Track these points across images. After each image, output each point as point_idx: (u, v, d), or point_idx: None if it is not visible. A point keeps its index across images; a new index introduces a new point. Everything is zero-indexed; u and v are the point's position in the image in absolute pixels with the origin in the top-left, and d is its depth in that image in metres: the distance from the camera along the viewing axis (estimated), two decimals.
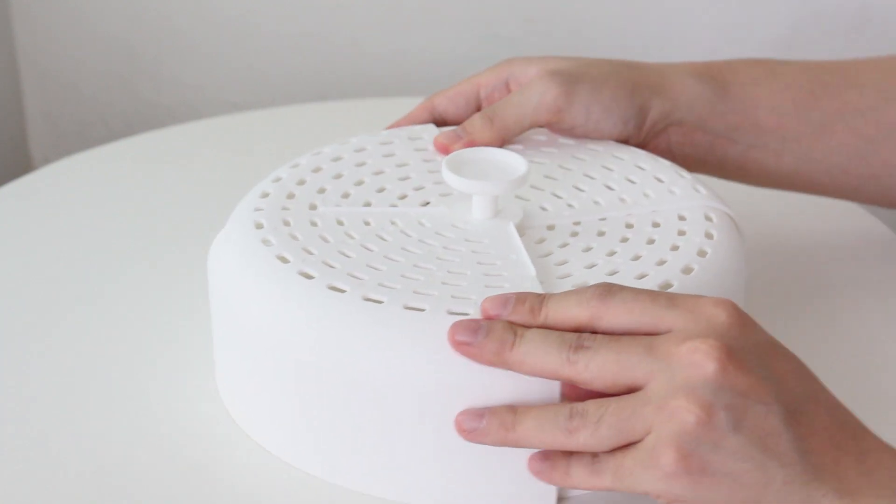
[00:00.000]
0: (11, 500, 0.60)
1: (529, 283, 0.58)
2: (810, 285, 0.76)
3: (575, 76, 0.70)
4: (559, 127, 0.71)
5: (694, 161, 0.73)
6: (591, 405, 0.53)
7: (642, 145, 0.72)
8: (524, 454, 0.56)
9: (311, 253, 0.61)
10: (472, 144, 0.69)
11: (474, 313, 0.56)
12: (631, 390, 0.53)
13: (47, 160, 1.25)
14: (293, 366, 0.58)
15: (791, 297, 0.75)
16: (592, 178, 0.68)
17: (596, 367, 0.53)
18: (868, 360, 0.70)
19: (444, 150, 0.69)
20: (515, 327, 0.55)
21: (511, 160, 0.64)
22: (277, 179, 0.67)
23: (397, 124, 0.74)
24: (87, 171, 0.90)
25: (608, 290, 0.55)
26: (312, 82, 1.20)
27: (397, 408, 0.57)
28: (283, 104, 1.13)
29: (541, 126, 0.71)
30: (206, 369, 0.67)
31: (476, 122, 0.70)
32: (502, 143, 0.70)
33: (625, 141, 0.71)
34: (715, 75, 0.72)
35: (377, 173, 0.68)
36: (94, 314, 0.73)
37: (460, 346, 0.55)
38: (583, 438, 0.53)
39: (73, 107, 1.25)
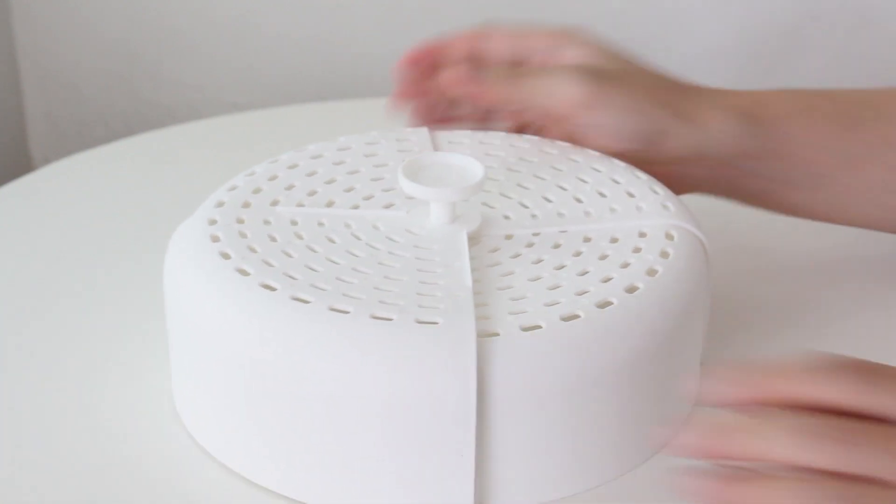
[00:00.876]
0: None
1: (464, 293, 0.58)
2: (800, 303, 0.75)
3: (608, 79, 0.68)
4: (573, 126, 0.70)
5: (719, 193, 0.72)
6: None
7: (659, 168, 0.70)
8: (435, 458, 0.54)
9: (254, 251, 0.61)
10: (482, 93, 0.69)
11: (398, 318, 0.55)
12: None
13: (47, 160, 1.25)
14: (222, 360, 0.58)
15: (776, 314, 0.74)
16: (564, 188, 0.67)
17: None
18: None
19: (454, 86, 0.69)
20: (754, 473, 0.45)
21: (470, 166, 0.63)
22: (251, 174, 0.67)
23: (433, 46, 0.74)
24: (87, 171, 0.90)
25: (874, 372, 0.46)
26: (312, 82, 1.20)
27: (311, 407, 0.56)
28: (283, 104, 1.13)
29: (551, 118, 0.71)
30: None
31: (500, 73, 0.69)
32: (508, 105, 0.70)
33: (637, 157, 0.70)
34: (747, 110, 0.70)
35: (352, 173, 0.68)
36: (94, 314, 0.73)
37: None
38: None
39: (73, 107, 1.25)
